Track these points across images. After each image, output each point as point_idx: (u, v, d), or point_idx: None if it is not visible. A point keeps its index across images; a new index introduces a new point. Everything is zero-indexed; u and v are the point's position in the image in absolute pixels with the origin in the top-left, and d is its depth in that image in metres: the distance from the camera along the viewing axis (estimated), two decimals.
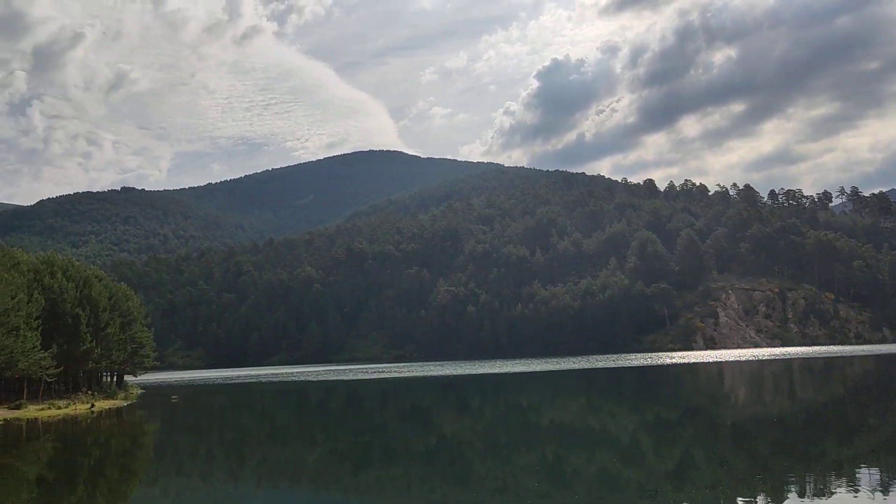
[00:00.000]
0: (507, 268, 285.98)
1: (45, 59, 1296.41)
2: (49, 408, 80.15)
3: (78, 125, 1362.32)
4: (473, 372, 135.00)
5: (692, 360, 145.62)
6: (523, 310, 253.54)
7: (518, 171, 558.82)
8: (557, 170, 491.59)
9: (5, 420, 68.61)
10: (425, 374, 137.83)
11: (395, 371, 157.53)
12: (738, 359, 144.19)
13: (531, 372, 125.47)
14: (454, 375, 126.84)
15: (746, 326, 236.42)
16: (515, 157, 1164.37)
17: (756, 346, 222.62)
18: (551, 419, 51.36)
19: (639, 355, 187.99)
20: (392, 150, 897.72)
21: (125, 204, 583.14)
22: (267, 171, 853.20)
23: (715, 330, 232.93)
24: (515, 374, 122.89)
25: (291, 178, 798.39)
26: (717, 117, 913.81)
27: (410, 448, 39.58)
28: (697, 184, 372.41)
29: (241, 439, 49.93)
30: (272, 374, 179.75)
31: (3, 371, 75.05)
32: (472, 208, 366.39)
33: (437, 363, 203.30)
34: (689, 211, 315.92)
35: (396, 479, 29.97)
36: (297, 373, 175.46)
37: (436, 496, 26.44)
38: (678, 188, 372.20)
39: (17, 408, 77.97)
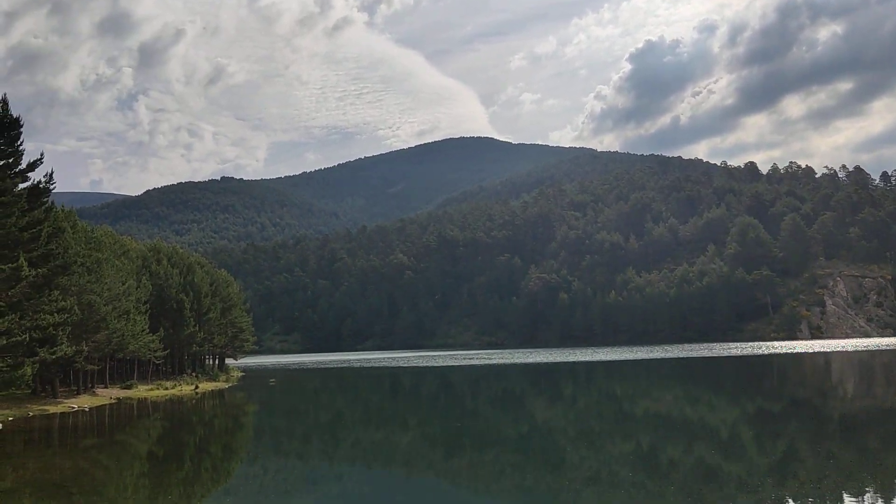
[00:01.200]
0: (600, 254, 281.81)
1: (149, 56, 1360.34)
2: (157, 388, 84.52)
3: (180, 118, 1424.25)
4: (566, 359, 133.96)
5: (797, 350, 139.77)
6: (617, 297, 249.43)
7: (611, 156, 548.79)
8: (653, 154, 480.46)
9: (118, 399, 72.78)
10: (517, 360, 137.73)
11: (486, 357, 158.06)
12: (846, 349, 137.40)
13: (625, 360, 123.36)
14: (546, 363, 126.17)
15: (856, 315, 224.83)
16: (607, 143, 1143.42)
17: (866, 335, 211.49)
18: (646, 409, 50.42)
19: (739, 345, 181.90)
20: (482, 136, 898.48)
21: (224, 193, 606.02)
22: (359, 159, 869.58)
23: (821, 318, 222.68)
24: (609, 362, 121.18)
25: (383, 166, 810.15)
26: (822, 96, 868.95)
27: (502, 434, 39.66)
28: (803, 166, 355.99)
29: (335, 422, 51.28)
30: (365, 358, 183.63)
31: (115, 353, 79.51)
32: (565, 194, 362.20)
33: (529, 350, 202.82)
34: (793, 195, 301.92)
35: (488, 464, 30.11)
36: (390, 358, 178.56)
37: (528, 482, 26.40)
38: (782, 171, 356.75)
39: (129, 388, 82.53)
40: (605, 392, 65.72)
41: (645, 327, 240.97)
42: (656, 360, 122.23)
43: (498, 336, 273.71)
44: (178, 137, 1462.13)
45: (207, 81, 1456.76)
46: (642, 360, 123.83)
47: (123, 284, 76.72)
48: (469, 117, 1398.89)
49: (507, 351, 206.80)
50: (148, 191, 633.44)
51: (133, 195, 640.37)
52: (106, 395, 73.66)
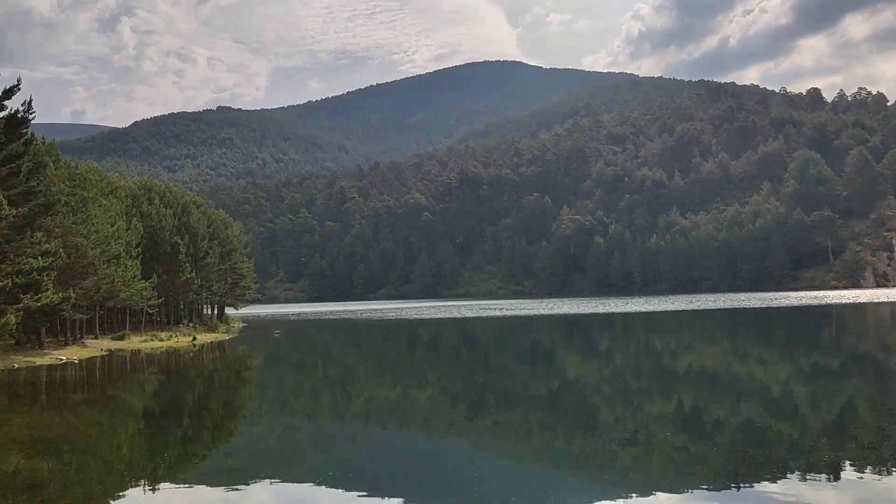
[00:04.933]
0: (640, 193, 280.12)
1: None
2: (151, 339, 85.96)
3: (170, 41, 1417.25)
4: (601, 311, 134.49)
5: (859, 300, 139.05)
6: (659, 241, 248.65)
7: (654, 83, 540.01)
8: (701, 80, 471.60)
9: (109, 351, 74.10)
10: (547, 311, 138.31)
11: (513, 308, 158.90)
12: None
13: (667, 311, 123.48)
14: (579, 314, 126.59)
15: None
16: (646, 69, 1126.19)
17: None
18: (689, 364, 50.67)
19: (795, 294, 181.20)
20: (509, 60, 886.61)
21: (221, 125, 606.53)
22: (371, 86, 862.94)
23: (889, 265, 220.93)
24: (649, 313, 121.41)
25: (398, 95, 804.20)
26: (888, 15, 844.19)
27: (530, 392, 40.08)
28: (874, 92, 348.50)
29: (346, 377, 52.04)
30: (379, 308, 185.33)
31: (105, 301, 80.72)
32: (601, 126, 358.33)
33: (560, 300, 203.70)
34: (861, 125, 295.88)
35: (514, 424, 30.49)
36: (406, 308, 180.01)
37: (558, 443, 26.73)
38: (849, 98, 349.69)
39: (121, 339, 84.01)
40: (644, 346, 66.00)
41: (689, 274, 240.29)
42: (702, 310, 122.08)
43: (526, 284, 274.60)
44: (167, 63, 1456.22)
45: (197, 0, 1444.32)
46: (686, 310, 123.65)
47: (112, 226, 77.40)
48: (494, 39, 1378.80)
49: (535, 301, 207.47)
50: (136, 122, 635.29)
51: (119, 127, 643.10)
52: (96, 347, 75.10)
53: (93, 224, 71.39)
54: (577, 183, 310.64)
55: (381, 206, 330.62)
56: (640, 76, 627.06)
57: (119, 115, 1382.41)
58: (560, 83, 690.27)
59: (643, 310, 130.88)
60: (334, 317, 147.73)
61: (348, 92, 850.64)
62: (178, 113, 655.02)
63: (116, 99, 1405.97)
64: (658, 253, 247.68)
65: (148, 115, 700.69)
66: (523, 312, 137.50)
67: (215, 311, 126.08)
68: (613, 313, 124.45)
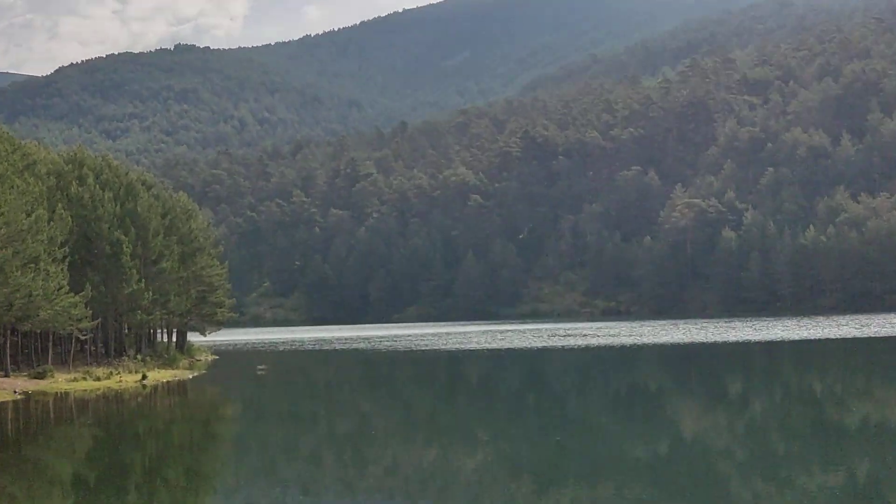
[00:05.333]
0: (790, 166, 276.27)
1: None
2: (84, 378, 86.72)
3: None
4: (731, 338, 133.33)
5: None
6: (818, 235, 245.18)
7: (811, 3, 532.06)
8: None
9: (26, 393, 74.96)
10: (651, 340, 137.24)
11: (601, 334, 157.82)
12: None
13: (830, 339, 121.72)
14: (699, 343, 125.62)
15: None
16: None
17: None
18: (866, 417, 49.94)
19: None
20: None
21: (182, 71, 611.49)
22: (393, 14, 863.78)
23: None
24: (804, 341, 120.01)
25: (432, 25, 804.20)
26: None
27: (627, 455, 39.84)
28: None
29: (359, 434, 52.14)
30: (407, 335, 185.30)
31: (18, 323, 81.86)
32: (732, 67, 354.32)
33: (671, 322, 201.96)
34: None
35: (605, 502, 30.35)
36: (446, 334, 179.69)
37: None
38: None
39: (41, 376, 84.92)
40: (796, 390, 65.26)
41: (864, 285, 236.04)
42: (883, 338, 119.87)
43: (620, 300, 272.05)
44: None
45: None
46: (860, 338, 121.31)
47: (28, 216, 78.42)
48: None
49: (634, 324, 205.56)
50: (61, 69, 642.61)
51: (38, 76, 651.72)
52: (7, 388, 76.16)
53: (0, 213, 72.54)
54: (696, 151, 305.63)
55: (410, 187, 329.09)
56: None
57: (38, 59, 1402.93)
58: (670, 6, 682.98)
59: (795, 337, 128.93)
60: (342, 346, 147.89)
61: (362, 22, 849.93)
62: (120, 55, 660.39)
63: (34, 36, 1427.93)
64: (817, 253, 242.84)
65: (78, 59, 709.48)
66: (617, 341, 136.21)
67: (173, 338, 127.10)
68: (750, 342, 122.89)
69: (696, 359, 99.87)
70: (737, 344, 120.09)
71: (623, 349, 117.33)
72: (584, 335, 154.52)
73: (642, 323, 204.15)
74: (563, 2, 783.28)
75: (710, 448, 42.45)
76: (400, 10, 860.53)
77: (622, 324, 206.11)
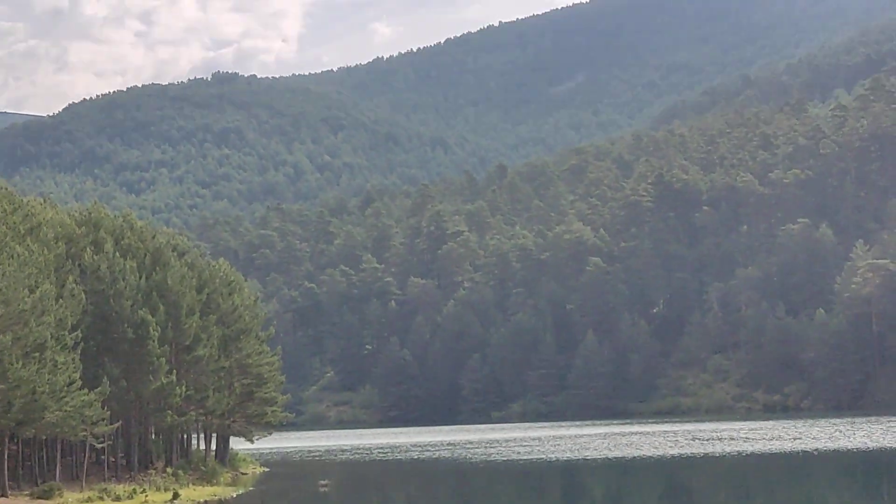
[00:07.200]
0: None
1: None
2: (100, 497, 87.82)
3: None
4: None
5: None
6: None
7: None
8: None
9: None
10: (829, 445, 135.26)
11: (761, 436, 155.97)
12: None
13: None
14: (890, 448, 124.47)
15: None
16: None
17: None
18: None
19: None
20: None
21: (221, 106, 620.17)
22: (486, 28, 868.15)
23: None
24: None
25: (536, 41, 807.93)
26: None
27: None
28: None
29: None
30: (507, 438, 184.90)
31: (19, 427, 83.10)
32: None
33: (855, 420, 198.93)
34: None
35: None
36: (561, 438, 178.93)
37: None
38: None
39: (47, 495, 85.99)
40: None
41: None
42: None
43: (787, 391, 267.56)
44: (126, 0, 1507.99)
45: None
46: None
47: (32, 293, 79.96)
48: None
49: (806, 422, 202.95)
50: (72, 106, 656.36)
51: (44, 115, 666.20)
52: None
53: None
54: (881, 198, 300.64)
55: (511, 248, 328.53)
56: None
57: (43, 94, 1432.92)
58: (844, 10, 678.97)
59: None
60: (427, 455, 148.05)
61: (447, 40, 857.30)
62: (144, 87, 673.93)
63: (39, 66, 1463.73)
64: None
65: (93, 94, 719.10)
66: (781, 446, 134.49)
67: (213, 446, 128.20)
68: None
69: (890, 468, 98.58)
70: None
71: (791, 456, 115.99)
72: (738, 438, 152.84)
73: (816, 422, 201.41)
74: (705, 8, 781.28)
75: None
76: (495, 24, 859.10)
77: (789, 423, 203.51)
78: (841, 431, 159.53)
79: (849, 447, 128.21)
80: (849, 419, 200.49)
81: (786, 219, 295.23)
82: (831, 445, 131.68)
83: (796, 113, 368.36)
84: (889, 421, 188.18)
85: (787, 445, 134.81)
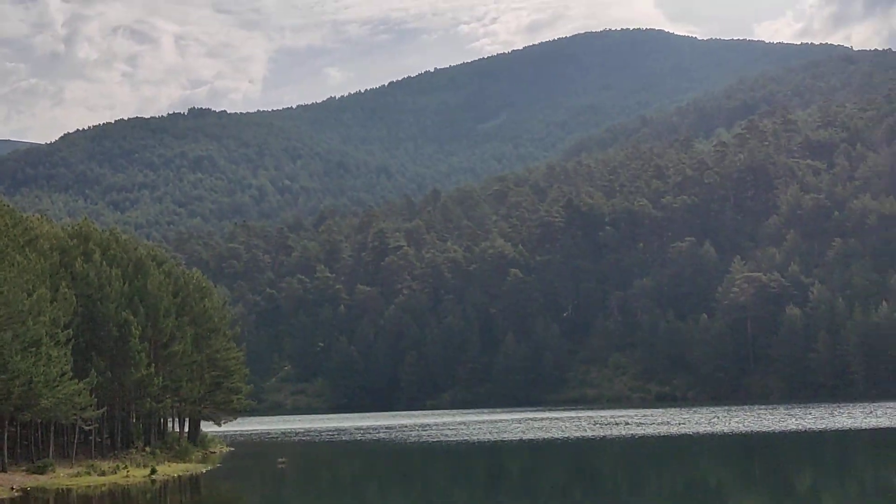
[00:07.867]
0: (860, 236, 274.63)
1: None
2: (87, 472, 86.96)
3: (119, 11, 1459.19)
4: (800, 426, 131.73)
5: None
6: (892, 312, 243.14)
7: (876, 59, 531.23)
8: None
9: (24, 490, 74.72)
10: (710, 429, 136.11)
11: (653, 422, 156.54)
12: None
13: None
14: (763, 433, 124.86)
15: None
16: (859, 38, 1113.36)
17: None
18: None
19: None
20: (644, 29, 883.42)
21: (196, 137, 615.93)
22: (424, 73, 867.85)
23: None
24: (877, 430, 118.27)
25: (467, 86, 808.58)
26: None
27: None
28: None
29: None
30: (442, 423, 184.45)
31: (17, 412, 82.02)
32: (794, 129, 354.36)
33: (732, 409, 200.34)
34: None
35: None
36: (485, 423, 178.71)
37: None
38: None
39: (41, 471, 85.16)
40: (872, 485, 64.59)
41: None
42: None
43: (675, 384, 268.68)
44: (115, 46, 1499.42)
45: None
46: None
47: (29, 296, 78.98)
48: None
49: (691, 410, 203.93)
50: (67, 135, 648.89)
51: (42, 143, 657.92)
52: (5, 485, 76.06)
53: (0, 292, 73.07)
54: (756, 221, 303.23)
55: (444, 261, 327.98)
56: (853, 49, 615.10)
57: (42, 125, 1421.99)
58: (725, 63, 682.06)
59: (869, 425, 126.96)
60: (370, 437, 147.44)
61: (391, 83, 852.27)
62: (129, 120, 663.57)
63: (38, 101, 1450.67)
64: (891, 332, 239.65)
65: (84, 125, 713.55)
66: (670, 430, 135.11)
67: (185, 429, 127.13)
68: (823, 431, 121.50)
69: (759, 450, 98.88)
70: (803, 433, 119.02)
71: (677, 439, 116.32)
72: (633, 423, 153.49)
73: (698, 410, 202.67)
74: (609, 59, 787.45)
75: None
76: (431, 70, 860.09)
77: (676, 411, 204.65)
78: (719, 418, 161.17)
79: (726, 431, 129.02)
80: (726, 407, 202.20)
81: (675, 238, 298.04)
82: (711, 429, 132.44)
83: (684, 148, 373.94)
84: (760, 409, 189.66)
85: (674, 429, 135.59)
